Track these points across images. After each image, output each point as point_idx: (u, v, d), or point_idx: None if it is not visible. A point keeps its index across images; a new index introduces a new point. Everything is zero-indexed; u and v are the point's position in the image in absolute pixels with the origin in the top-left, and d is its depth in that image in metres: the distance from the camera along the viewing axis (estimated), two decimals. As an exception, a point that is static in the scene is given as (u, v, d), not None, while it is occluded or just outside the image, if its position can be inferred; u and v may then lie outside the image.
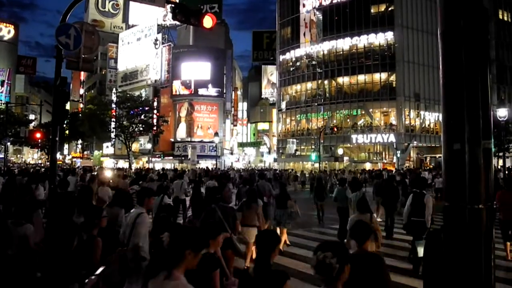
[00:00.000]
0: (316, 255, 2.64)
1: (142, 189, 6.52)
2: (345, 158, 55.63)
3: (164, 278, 2.54)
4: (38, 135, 40.83)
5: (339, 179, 16.42)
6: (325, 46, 58.31)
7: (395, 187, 13.62)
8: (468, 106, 2.70)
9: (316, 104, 59.32)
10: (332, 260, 2.57)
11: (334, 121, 57.29)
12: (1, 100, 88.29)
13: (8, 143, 46.00)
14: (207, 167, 40.11)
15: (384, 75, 54.69)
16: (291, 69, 63.58)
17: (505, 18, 61.98)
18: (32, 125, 66.30)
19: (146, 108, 52.72)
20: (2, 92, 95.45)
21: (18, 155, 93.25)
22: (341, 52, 57.31)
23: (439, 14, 2.92)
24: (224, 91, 61.11)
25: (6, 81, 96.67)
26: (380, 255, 4.28)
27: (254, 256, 7.37)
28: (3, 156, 46.01)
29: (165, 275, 2.55)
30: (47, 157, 55.69)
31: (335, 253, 2.60)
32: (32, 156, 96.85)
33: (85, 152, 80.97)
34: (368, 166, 52.27)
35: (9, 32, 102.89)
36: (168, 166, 50.93)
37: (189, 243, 2.66)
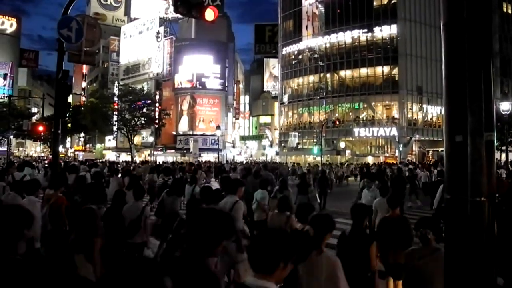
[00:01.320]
0: (420, 231, 4.11)
1: (235, 180, 7.74)
2: (347, 152, 55.58)
3: (318, 254, 3.63)
4: (40, 128, 40.88)
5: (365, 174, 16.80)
6: (327, 39, 58.11)
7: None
8: (471, 98, 2.68)
9: (318, 97, 59.20)
10: (430, 235, 4.05)
11: (336, 114, 57.20)
12: (4, 94, 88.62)
13: (11, 136, 46.13)
14: (198, 161, 39.81)
15: (386, 69, 54.51)
16: (293, 62, 63.43)
17: (509, 11, 61.56)
18: (34, 118, 66.35)
19: (148, 101, 52.76)
20: (4, 86, 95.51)
21: (21, 148, 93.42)
22: (344, 45, 57.12)
23: (442, 5, 2.89)
24: (226, 84, 61.05)
25: (8, 74, 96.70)
26: (405, 217, 6.44)
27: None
28: (5, 149, 46.19)
29: (317, 252, 3.63)
30: (49, 150, 55.79)
31: (431, 229, 4.07)
32: (35, 149, 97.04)
33: (88, 145, 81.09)
34: (370, 159, 52.22)
35: (11, 25, 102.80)
36: (170, 159, 50.93)
37: (329, 227, 3.88)
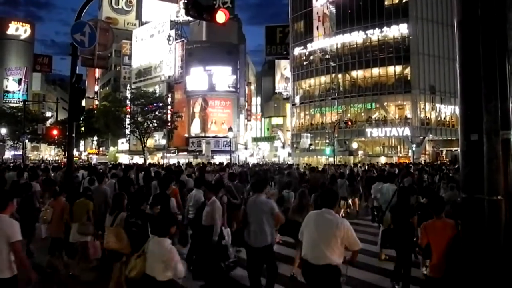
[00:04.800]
0: None
1: (390, 173, 12.87)
2: (360, 152, 55.28)
3: None
4: (55, 132, 41.46)
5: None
6: (339, 40, 57.88)
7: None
8: (486, 97, 2.66)
9: (330, 98, 58.96)
10: None
11: (348, 115, 56.91)
12: (18, 98, 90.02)
13: (26, 140, 46.70)
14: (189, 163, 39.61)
15: (398, 68, 54.11)
16: (305, 63, 63.27)
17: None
18: (49, 122, 67.15)
19: (160, 104, 53.02)
20: (19, 90, 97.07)
21: (36, 152, 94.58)
22: (355, 45, 56.83)
23: (456, 3, 2.88)
24: (238, 86, 61.10)
25: (23, 79, 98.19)
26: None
27: None
28: (21, 153, 46.81)
29: None
30: (63, 153, 56.39)
31: None
32: (49, 153, 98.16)
33: (101, 149, 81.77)
34: (383, 160, 51.87)
35: (25, 31, 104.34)
36: (182, 161, 51.10)
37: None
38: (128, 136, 60.00)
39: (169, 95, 60.40)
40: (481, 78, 2.70)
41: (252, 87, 74.23)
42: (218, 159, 50.26)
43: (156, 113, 51.71)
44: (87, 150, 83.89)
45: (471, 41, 2.78)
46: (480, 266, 2.68)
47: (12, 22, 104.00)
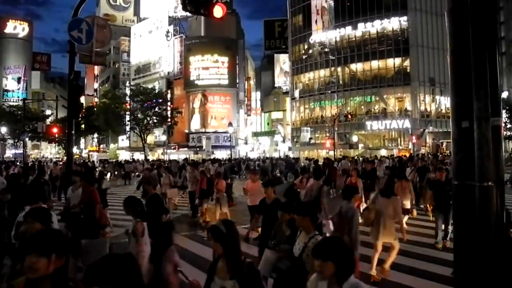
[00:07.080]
0: None
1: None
2: (360, 145, 55.29)
3: None
4: (55, 130, 41.49)
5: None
6: (338, 33, 57.74)
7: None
8: (477, 83, 2.69)
9: (329, 91, 58.93)
10: None
11: (348, 108, 56.91)
12: (18, 97, 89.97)
13: (27, 139, 46.75)
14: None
15: (398, 60, 54.02)
16: (304, 57, 63.17)
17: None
18: (49, 120, 67.18)
19: (160, 100, 53.01)
20: (19, 89, 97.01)
21: (36, 150, 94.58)
22: (354, 38, 56.71)
23: (446, -8, 2.91)
24: (237, 81, 61.04)
25: (22, 77, 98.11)
26: None
27: None
28: (21, 151, 46.91)
29: None
30: (64, 151, 56.43)
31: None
32: (50, 151, 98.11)
33: (101, 146, 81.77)
34: (383, 152, 51.87)
35: (23, 29, 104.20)
36: (183, 157, 51.14)
37: None
38: (128, 133, 60.09)
39: (169, 91, 60.37)
40: (472, 66, 2.72)
41: (252, 82, 74.10)
42: (218, 154, 50.34)
43: (156, 109, 51.75)
44: (87, 148, 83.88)
45: (461, 29, 2.80)
46: (472, 252, 2.71)
47: (10, 20, 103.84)
